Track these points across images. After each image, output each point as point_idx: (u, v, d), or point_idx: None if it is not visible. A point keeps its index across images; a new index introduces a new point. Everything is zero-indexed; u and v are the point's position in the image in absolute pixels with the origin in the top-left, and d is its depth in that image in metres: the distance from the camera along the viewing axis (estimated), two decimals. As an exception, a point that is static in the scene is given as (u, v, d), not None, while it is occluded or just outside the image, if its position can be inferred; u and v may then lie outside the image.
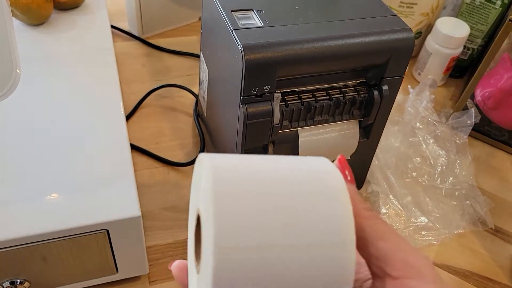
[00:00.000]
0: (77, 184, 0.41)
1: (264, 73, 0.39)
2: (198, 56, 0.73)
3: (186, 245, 0.50)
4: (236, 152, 0.45)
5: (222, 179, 0.21)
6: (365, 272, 0.24)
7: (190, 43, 0.76)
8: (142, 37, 0.75)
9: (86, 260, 0.41)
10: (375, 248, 0.21)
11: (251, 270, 0.19)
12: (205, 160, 0.22)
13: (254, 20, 0.41)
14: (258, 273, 0.19)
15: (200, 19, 0.81)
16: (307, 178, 0.22)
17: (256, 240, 0.20)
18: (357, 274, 0.24)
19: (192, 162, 0.57)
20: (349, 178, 0.24)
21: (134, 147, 0.58)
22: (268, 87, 0.40)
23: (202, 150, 0.58)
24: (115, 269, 0.44)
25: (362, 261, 0.23)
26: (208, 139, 0.58)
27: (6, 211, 0.38)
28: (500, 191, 0.61)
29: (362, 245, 0.22)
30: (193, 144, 0.61)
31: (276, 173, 0.22)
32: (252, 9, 0.42)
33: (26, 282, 0.40)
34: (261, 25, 0.40)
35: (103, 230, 0.39)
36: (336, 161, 0.24)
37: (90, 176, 0.42)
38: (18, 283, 0.40)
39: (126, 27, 0.76)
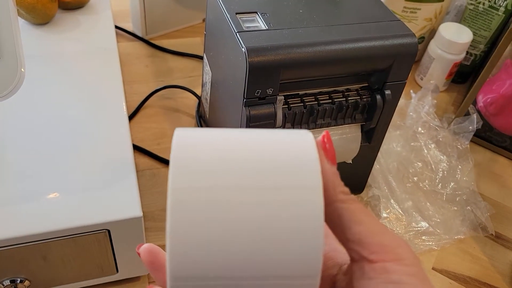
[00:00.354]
0: (79, 184, 0.41)
1: (267, 76, 0.39)
2: (201, 58, 0.74)
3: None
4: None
5: (184, 138, 0.21)
6: (344, 257, 0.23)
7: (194, 44, 0.76)
8: (146, 38, 0.75)
9: (86, 259, 0.41)
10: (351, 233, 0.21)
11: (207, 210, 0.19)
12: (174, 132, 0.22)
13: (259, 23, 0.41)
14: (215, 213, 0.19)
15: (203, 20, 0.81)
16: (277, 142, 0.21)
17: (211, 182, 0.19)
18: (334, 259, 0.24)
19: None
20: (329, 156, 0.22)
21: (136, 148, 0.58)
22: (271, 90, 0.40)
23: (204, 151, 0.58)
24: (115, 269, 0.44)
25: (340, 247, 0.22)
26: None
27: (8, 210, 0.38)
28: (501, 197, 0.61)
29: (339, 230, 0.21)
30: (195, 145, 0.61)
31: (243, 135, 0.21)
32: (256, 12, 0.42)
33: (26, 281, 0.40)
34: (265, 28, 0.40)
35: (104, 230, 0.39)
36: (319, 137, 0.22)
37: (92, 175, 0.42)
38: (18, 281, 0.40)
39: (130, 28, 0.76)
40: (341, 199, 0.21)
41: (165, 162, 0.58)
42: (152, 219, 0.52)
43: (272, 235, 0.19)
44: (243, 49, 0.38)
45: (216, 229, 0.19)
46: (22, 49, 0.37)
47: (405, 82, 0.45)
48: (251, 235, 0.19)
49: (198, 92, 0.66)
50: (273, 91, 0.40)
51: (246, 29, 0.40)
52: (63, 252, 0.40)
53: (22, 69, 0.37)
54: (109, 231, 0.40)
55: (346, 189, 0.22)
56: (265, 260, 0.19)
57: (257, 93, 0.40)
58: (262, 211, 0.19)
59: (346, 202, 0.21)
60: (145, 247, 0.25)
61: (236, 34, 0.39)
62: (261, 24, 0.41)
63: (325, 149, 0.22)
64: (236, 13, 0.41)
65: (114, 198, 0.40)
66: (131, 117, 0.63)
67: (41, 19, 0.57)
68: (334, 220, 0.21)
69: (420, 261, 0.20)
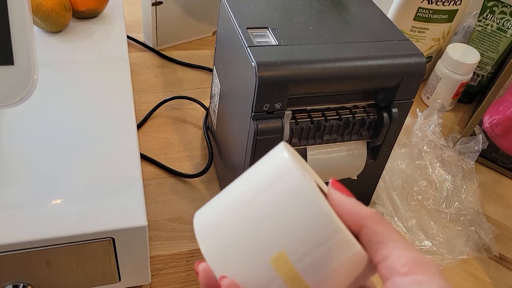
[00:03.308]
0: (85, 191, 0.41)
1: (276, 91, 0.39)
2: (210, 70, 0.74)
3: (189, 257, 0.50)
4: (244, 168, 0.46)
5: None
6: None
7: (203, 56, 0.77)
8: (157, 48, 0.76)
9: (90, 267, 0.42)
10: (384, 250, 0.23)
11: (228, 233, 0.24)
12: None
13: (269, 38, 0.41)
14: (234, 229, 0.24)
15: (214, 33, 0.82)
16: (256, 166, 0.27)
17: (222, 214, 0.25)
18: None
19: (200, 174, 0.58)
20: (344, 192, 0.25)
21: (142, 157, 0.59)
22: (279, 105, 0.40)
23: (210, 162, 0.59)
24: (118, 278, 0.44)
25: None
26: (216, 152, 0.59)
27: (13, 215, 0.39)
28: (505, 219, 0.61)
29: (373, 251, 0.23)
30: (202, 156, 0.61)
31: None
32: (267, 28, 0.42)
33: (29, 286, 0.41)
34: (275, 44, 0.41)
35: (109, 238, 0.40)
36: (330, 184, 0.25)
37: (98, 183, 0.42)
38: (21, 287, 0.40)
39: (141, 38, 0.77)
40: (367, 223, 0.23)
41: (171, 172, 0.58)
42: (157, 229, 0.52)
43: (282, 220, 0.23)
44: (253, 63, 0.38)
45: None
46: (35, 56, 0.38)
47: (412, 101, 0.45)
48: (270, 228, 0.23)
49: (206, 103, 0.67)
50: (281, 105, 0.40)
51: (257, 44, 0.40)
52: (67, 259, 0.40)
53: (35, 76, 0.38)
54: (113, 239, 0.40)
55: (370, 211, 0.24)
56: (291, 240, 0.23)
57: (265, 107, 0.40)
58: (263, 209, 0.24)
59: (374, 224, 0.23)
60: (206, 269, 0.25)
61: (246, 49, 0.40)
62: (271, 39, 0.41)
63: (339, 188, 0.25)
64: (247, 28, 0.42)
65: (120, 207, 0.41)
66: (139, 126, 0.63)
67: (55, 27, 0.58)
68: (366, 243, 0.23)
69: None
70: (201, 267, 0.25)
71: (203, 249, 0.24)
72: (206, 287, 0.25)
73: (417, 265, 0.22)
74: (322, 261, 0.23)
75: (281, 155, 0.25)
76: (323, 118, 0.44)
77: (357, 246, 0.23)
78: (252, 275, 0.23)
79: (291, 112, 0.42)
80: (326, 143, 0.46)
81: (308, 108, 0.44)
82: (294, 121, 0.43)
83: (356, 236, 0.24)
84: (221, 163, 0.57)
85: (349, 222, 0.24)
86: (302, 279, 0.23)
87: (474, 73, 0.74)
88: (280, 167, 0.24)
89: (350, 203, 0.24)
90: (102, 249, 0.40)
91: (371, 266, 0.24)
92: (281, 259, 0.23)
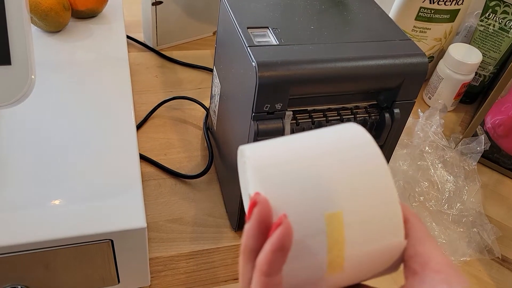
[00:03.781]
0: (84, 192, 0.41)
1: (277, 91, 0.39)
2: (210, 70, 0.74)
3: (189, 259, 0.50)
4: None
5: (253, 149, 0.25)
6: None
7: (203, 56, 0.77)
8: (156, 48, 0.76)
9: (88, 269, 0.41)
10: (421, 247, 0.23)
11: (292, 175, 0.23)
12: (245, 152, 0.25)
13: (270, 38, 0.41)
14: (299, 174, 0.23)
15: (214, 33, 0.82)
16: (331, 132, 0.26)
17: (290, 157, 0.24)
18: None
19: (200, 175, 0.57)
20: None
21: (142, 157, 0.58)
22: (280, 105, 0.40)
23: (210, 163, 0.58)
24: (117, 280, 0.44)
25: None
26: (216, 153, 0.59)
27: (11, 217, 0.38)
28: (508, 220, 0.61)
29: (409, 245, 0.24)
30: (202, 157, 0.61)
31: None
32: (268, 27, 0.42)
33: (27, 288, 0.40)
34: (276, 43, 0.40)
35: (108, 240, 0.39)
36: None
37: (97, 184, 0.42)
38: (19, 288, 0.40)
39: (141, 38, 0.77)
40: (412, 219, 0.24)
41: (171, 172, 0.58)
42: (156, 230, 0.52)
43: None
44: (253, 63, 0.38)
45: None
46: (33, 56, 0.37)
47: (414, 102, 0.44)
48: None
49: (207, 104, 0.66)
50: (282, 106, 0.40)
51: (257, 44, 0.40)
52: (65, 261, 0.39)
53: (33, 76, 0.38)
54: (112, 241, 0.39)
55: (414, 212, 0.25)
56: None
57: (266, 108, 0.40)
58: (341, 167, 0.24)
59: (417, 222, 0.24)
60: (266, 201, 0.22)
61: (247, 49, 0.39)
62: (272, 39, 0.41)
63: None
64: (248, 28, 0.42)
65: (119, 208, 0.40)
66: (139, 126, 0.63)
67: (54, 27, 0.57)
68: (406, 235, 0.24)
69: None
70: (262, 198, 0.22)
71: (260, 175, 0.23)
72: (261, 222, 0.22)
73: (450, 268, 0.22)
74: (370, 237, 0.23)
75: (357, 128, 0.26)
76: (324, 118, 0.44)
77: (403, 236, 0.24)
78: (302, 219, 0.22)
79: (292, 112, 0.42)
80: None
81: (309, 108, 0.43)
82: (295, 121, 0.43)
83: None
84: (221, 164, 0.56)
85: None
86: (343, 246, 0.23)
87: (476, 73, 0.73)
88: (361, 137, 0.25)
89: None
90: (101, 251, 0.40)
91: (399, 262, 0.24)
92: (336, 218, 0.23)
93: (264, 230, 0.22)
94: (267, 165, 0.23)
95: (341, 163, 0.24)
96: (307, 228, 0.22)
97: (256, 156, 0.24)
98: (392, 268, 0.25)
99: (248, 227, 0.22)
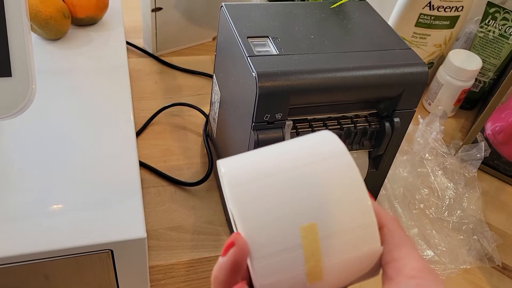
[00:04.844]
0: (84, 202, 0.41)
1: (277, 101, 0.39)
2: (210, 76, 0.74)
3: (189, 267, 0.50)
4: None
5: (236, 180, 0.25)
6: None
7: (203, 62, 0.77)
8: (156, 54, 0.76)
9: (88, 279, 0.41)
10: (397, 252, 0.23)
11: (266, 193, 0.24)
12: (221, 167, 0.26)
13: (270, 47, 0.41)
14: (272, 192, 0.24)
15: (213, 39, 0.82)
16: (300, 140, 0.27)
17: (263, 172, 0.24)
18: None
19: (200, 182, 0.57)
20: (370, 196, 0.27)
21: (142, 164, 0.58)
22: (280, 115, 0.40)
23: (210, 171, 0.58)
24: (117, 289, 0.44)
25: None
26: (216, 160, 0.58)
27: (10, 227, 0.38)
28: (508, 227, 0.60)
29: (385, 251, 0.24)
30: (201, 164, 0.61)
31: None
32: (268, 37, 0.42)
33: (27, 298, 0.40)
34: (276, 53, 0.40)
35: (107, 250, 0.39)
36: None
37: (97, 193, 0.42)
38: (19, 298, 0.40)
39: (141, 44, 0.77)
40: (388, 225, 0.25)
41: (171, 180, 0.58)
42: (156, 238, 0.52)
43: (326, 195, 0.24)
44: (253, 73, 0.38)
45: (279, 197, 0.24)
46: (33, 66, 0.37)
47: (414, 110, 0.44)
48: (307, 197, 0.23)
49: (206, 110, 0.66)
50: (282, 115, 0.40)
51: (257, 54, 0.40)
52: (65, 271, 0.39)
53: (33, 86, 0.37)
54: (112, 251, 0.39)
55: (391, 215, 0.25)
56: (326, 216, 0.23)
57: (266, 117, 0.40)
58: (309, 180, 0.24)
59: (393, 227, 0.25)
60: (243, 244, 0.23)
61: (247, 58, 0.39)
62: (272, 48, 0.41)
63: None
64: (248, 37, 0.42)
65: (119, 218, 0.40)
66: (138, 133, 0.63)
67: (54, 34, 0.57)
68: (383, 241, 0.24)
69: None
70: (239, 241, 0.23)
71: (234, 194, 0.24)
72: (235, 263, 0.23)
73: (425, 272, 0.22)
74: (345, 247, 0.23)
75: (332, 137, 0.26)
76: (324, 128, 0.43)
77: (380, 243, 0.24)
78: (277, 234, 0.23)
79: (292, 122, 0.42)
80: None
81: (309, 117, 0.43)
82: (295, 131, 0.43)
83: None
84: (221, 172, 0.56)
85: None
86: (320, 257, 0.23)
87: (476, 79, 0.73)
88: (334, 147, 0.25)
89: (375, 204, 0.25)
90: (100, 261, 0.40)
91: (377, 267, 0.25)
92: (311, 229, 0.23)
93: (237, 269, 0.23)
94: (241, 183, 0.24)
95: (314, 175, 0.24)
96: (283, 242, 0.23)
97: (231, 173, 0.24)
98: (371, 273, 0.25)
99: (222, 262, 0.23)
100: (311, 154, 0.25)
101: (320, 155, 0.25)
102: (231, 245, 0.23)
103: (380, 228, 0.24)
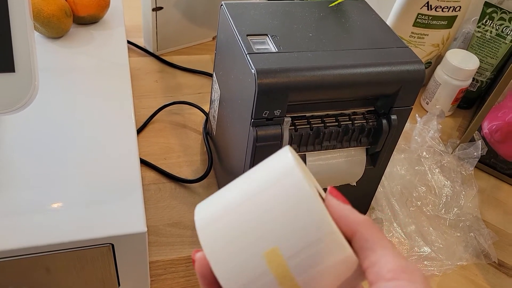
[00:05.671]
0: (85, 197, 0.41)
1: (275, 98, 0.40)
2: (210, 75, 0.75)
3: (189, 262, 0.51)
4: (243, 172, 0.46)
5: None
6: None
7: (203, 61, 0.77)
8: (157, 53, 0.76)
9: (89, 273, 0.42)
10: (373, 256, 0.23)
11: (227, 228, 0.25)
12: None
13: (269, 45, 0.42)
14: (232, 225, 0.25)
15: (214, 38, 0.83)
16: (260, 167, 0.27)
17: (224, 209, 0.26)
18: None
19: (200, 179, 0.58)
20: (340, 199, 0.27)
21: (142, 161, 0.59)
22: (279, 111, 0.41)
23: (210, 168, 0.59)
24: (117, 283, 0.44)
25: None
26: (216, 158, 0.59)
27: (12, 221, 0.39)
28: (504, 225, 0.61)
29: (363, 256, 0.24)
30: (201, 161, 0.61)
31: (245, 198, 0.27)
32: (267, 35, 0.43)
33: (29, 292, 0.41)
34: (275, 51, 0.41)
35: (108, 244, 0.40)
36: (327, 191, 0.27)
37: (98, 189, 0.42)
38: (21, 292, 0.40)
39: (141, 43, 0.77)
40: (360, 230, 0.24)
41: (171, 177, 0.58)
42: (156, 234, 0.53)
43: (277, 217, 0.24)
44: (252, 70, 0.38)
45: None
46: (36, 63, 0.38)
47: (411, 108, 0.45)
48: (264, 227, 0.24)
49: (206, 108, 0.67)
50: (281, 112, 0.41)
51: (256, 51, 0.40)
52: (66, 265, 0.40)
53: (36, 83, 0.38)
54: (113, 245, 0.40)
55: (363, 218, 0.25)
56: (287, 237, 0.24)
57: (265, 114, 0.40)
58: (262, 207, 0.25)
59: (365, 230, 0.24)
60: (202, 258, 0.25)
61: (246, 56, 0.40)
62: (271, 46, 0.42)
63: (335, 195, 0.26)
64: (247, 35, 0.42)
65: (119, 213, 0.41)
66: (139, 131, 0.63)
67: (55, 33, 0.58)
68: (357, 250, 0.24)
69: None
70: (197, 255, 0.26)
71: (201, 238, 0.25)
72: (201, 276, 0.25)
73: (402, 272, 0.22)
74: (314, 261, 0.23)
75: (285, 155, 0.26)
76: (322, 124, 0.44)
77: (349, 250, 0.24)
78: (244, 266, 0.24)
79: (290, 118, 0.43)
80: (326, 149, 0.46)
81: (307, 114, 0.44)
82: (293, 127, 0.43)
83: (349, 242, 0.25)
84: (221, 169, 0.57)
85: (343, 228, 0.25)
86: (293, 276, 0.23)
87: (474, 79, 0.74)
88: (283, 167, 0.25)
89: (345, 209, 0.25)
90: (101, 255, 0.40)
91: (361, 272, 0.25)
92: (274, 254, 0.23)
93: (210, 282, 0.25)
94: (204, 226, 0.26)
95: (267, 201, 0.25)
96: (252, 271, 0.24)
97: (199, 218, 0.26)
98: (358, 278, 0.25)
99: (199, 282, 0.26)
100: (265, 178, 0.26)
101: (271, 177, 0.25)
102: (193, 262, 0.26)
103: (353, 235, 0.24)
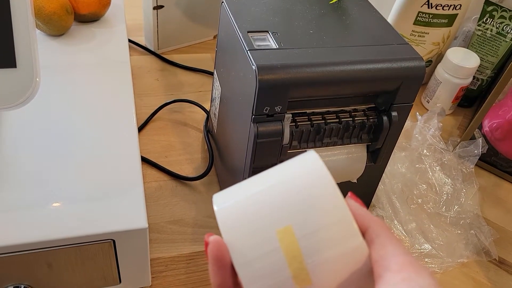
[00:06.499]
0: (86, 193, 0.42)
1: (276, 94, 0.40)
2: (211, 73, 0.75)
3: (189, 260, 0.51)
4: (244, 171, 0.46)
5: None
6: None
7: (204, 60, 0.77)
8: (158, 52, 0.76)
9: (90, 269, 0.42)
10: (384, 251, 0.24)
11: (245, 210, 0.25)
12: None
13: (269, 42, 0.42)
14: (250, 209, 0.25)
15: (214, 37, 0.83)
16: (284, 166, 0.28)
17: (243, 193, 0.26)
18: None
19: (200, 177, 0.58)
20: (353, 198, 0.28)
21: (143, 159, 0.59)
22: (279, 108, 0.41)
23: (210, 165, 0.59)
24: (118, 280, 0.44)
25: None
26: (217, 155, 0.59)
27: (15, 217, 0.39)
28: (505, 222, 0.61)
29: (373, 251, 0.25)
30: (202, 159, 0.61)
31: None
32: (267, 31, 0.43)
33: (30, 288, 0.41)
34: (275, 47, 0.41)
35: (110, 240, 0.40)
36: (348, 195, 0.28)
37: (99, 185, 0.42)
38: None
39: (142, 41, 0.77)
40: (372, 225, 0.25)
41: (172, 174, 0.58)
42: (157, 231, 0.53)
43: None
44: (253, 66, 0.38)
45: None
46: (38, 59, 0.38)
47: (412, 105, 0.45)
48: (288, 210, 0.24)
49: (207, 107, 0.67)
50: (282, 109, 0.41)
51: (257, 48, 0.41)
52: (68, 261, 0.40)
53: (37, 79, 0.38)
54: (114, 241, 0.40)
55: (376, 218, 0.26)
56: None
57: (266, 110, 0.40)
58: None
59: (377, 227, 0.25)
60: (216, 240, 0.25)
61: (247, 52, 0.40)
62: (272, 43, 0.42)
63: (355, 199, 0.28)
64: (248, 32, 0.42)
65: (121, 209, 0.41)
66: (140, 129, 0.63)
67: (57, 30, 0.58)
68: (368, 243, 0.25)
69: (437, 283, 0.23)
70: (211, 238, 0.25)
71: (217, 215, 0.25)
72: (213, 258, 0.25)
73: (409, 265, 0.23)
74: (325, 245, 0.24)
75: (311, 153, 0.27)
76: (323, 121, 0.44)
77: (361, 238, 0.24)
78: (255, 241, 0.24)
79: (291, 115, 0.43)
80: (326, 146, 0.46)
81: (308, 111, 0.44)
82: (294, 124, 0.43)
83: (362, 235, 0.25)
84: (222, 166, 0.57)
85: (358, 222, 0.25)
86: (302, 258, 0.24)
87: (474, 77, 0.74)
88: (307, 161, 0.26)
89: (361, 209, 0.26)
90: (102, 251, 0.40)
91: (370, 269, 0.25)
92: (287, 232, 0.24)
93: (222, 265, 0.25)
94: (223, 206, 0.26)
95: (287, 182, 0.25)
96: (262, 247, 0.24)
97: (217, 199, 0.27)
98: (367, 273, 0.25)
99: (209, 266, 0.25)
100: (290, 172, 0.26)
101: (294, 173, 0.26)
102: (206, 245, 0.25)
103: (366, 229, 0.25)
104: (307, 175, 0.25)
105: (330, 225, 0.24)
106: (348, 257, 0.24)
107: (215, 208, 0.26)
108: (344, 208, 0.24)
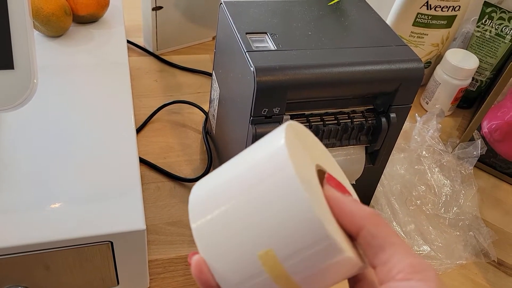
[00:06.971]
0: (84, 195, 0.41)
1: (274, 95, 0.40)
2: (209, 74, 0.75)
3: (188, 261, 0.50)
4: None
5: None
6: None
7: (202, 61, 0.77)
8: (156, 53, 0.76)
9: (88, 270, 0.42)
10: (383, 255, 0.23)
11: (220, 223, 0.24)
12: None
13: (268, 43, 0.42)
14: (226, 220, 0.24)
15: (213, 38, 0.83)
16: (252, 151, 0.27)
17: (216, 203, 0.25)
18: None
19: (199, 178, 0.58)
20: (341, 189, 0.25)
21: (142, 161, 0.59)
22: (277, 109, 0.41)
23: (209, 167, 0.59)
24: (116, 281, 0.44)
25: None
26: (215, 156, 0.59)
27: (12, 218, 0.39)
28: (504, 224, 0.61)
29: (371, 253, 0.23)
30: (201, 160, 0.61)
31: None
32: (266, 33, 0.43)
33: (28, 289, 0.41)
34: (274, 49, 0.41)
35: (107, 242, 0.40)
36: (325, 180, 0.25)
37: (97, 187, 0.42)
38: (20, 289, 0.40)
39: (141, 43, 0.77)
40: (366, 225, 0.23)
41: (170, 176, 0.58)
42: (155, 232, 0.52)
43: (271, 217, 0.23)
44: (251, 68, 0.38)
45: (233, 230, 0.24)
46: (36, 61, 0.38)
47: (410, 106, 0.45)
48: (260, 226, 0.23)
49: (206, 108, 0.67)
50: (280, 110, 0.41)
51: (255, 49, 0.41)
52: (65, 262, 0.40)
53: (35, 80, 0.38)
54: (112, 242, 0.40)
55: (369, 212, 0.23)
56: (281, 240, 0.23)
57: (264, 112, 0.40)
58: (255, 203, 0.24)
59: (372, 226, 0.23)
60: (198, 262, 0.25)
61: (245, 54, 0.40)
62: (270, 44, 0.42)
63: (334, 184, 0.24)
64: (246, 33, 0.42)
65: (119, 210, 0.41)
66: (138, 130, 0.63)
67: (55, 31, 0.58)
68: (365, 246, 0.23)
69: (444, 284, 0.22)
70: (194, 259, 0.25)
71: (194, 232, 0.25)
72: (198, 280, 0.25)
73: (413, 272, 0.22)
74: (310, 262, 0.23)
75: (280, 143, 0.24)
76: (321, 122, 0.44)
77: (347, 253, 0.23)
78: (239, 266, 0.24)
79: (289, 116, 0.43)
80: (325, 147, 0.46)
81: (306, 112, 0.44)
82: (292, 125, 0.43)
83: (354, 237, 0.24)
84: (220, 167, 0.57)
85: (346, 223, 0.24)
86: (289, 276, 0.23)
87: (473, 78, 0.74)
88: (277, 159, 0.24)
89: (348, 202, 0.24)
90: (100, 252, 0.40)
91: (365, 268, 0.24)
92: (269, 256, 0.23)
93: (209, 285, 0.24)
94: (198, 227, 0.25)
95: (261, 197, 0.24)
96: (247, 271, 0.23)
97: (193, 217, 0.26)
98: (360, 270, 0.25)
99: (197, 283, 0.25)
100: (260, 169, 0.24)
101: (266, 169, 0.24)
102: (189, 265, 0.25)
103: (359, 230, 0.23)
104: (276, 181, 0.23)
105: (310, 245, 0.22)
106: (336, 268, 0.23)
107: (192, 225, 0.25)
108: (321, 226, 0.22)
